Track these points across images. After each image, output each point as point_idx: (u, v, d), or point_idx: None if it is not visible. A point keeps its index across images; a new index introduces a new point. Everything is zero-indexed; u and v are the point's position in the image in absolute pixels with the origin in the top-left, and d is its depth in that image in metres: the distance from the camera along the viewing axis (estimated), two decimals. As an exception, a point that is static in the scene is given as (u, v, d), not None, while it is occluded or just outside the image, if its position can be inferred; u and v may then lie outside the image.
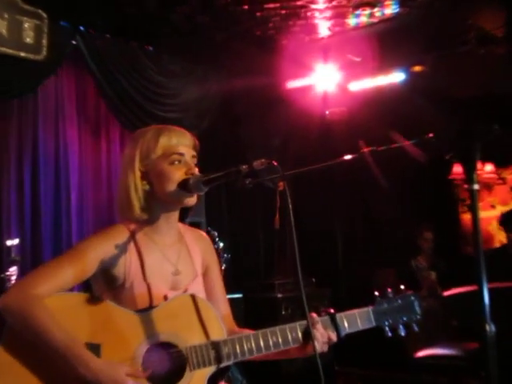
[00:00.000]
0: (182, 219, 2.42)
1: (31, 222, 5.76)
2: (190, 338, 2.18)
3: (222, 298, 2.49)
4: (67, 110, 6.22)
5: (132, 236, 2.25)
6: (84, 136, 6.38)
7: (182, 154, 2.26)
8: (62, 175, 6.05)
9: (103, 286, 2.21)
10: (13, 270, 4.80)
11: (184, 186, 2.21)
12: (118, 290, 2.20)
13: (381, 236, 7.61)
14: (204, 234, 2.54)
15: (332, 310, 2.39)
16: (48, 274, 2.07)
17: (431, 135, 2.25)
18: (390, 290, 2.51)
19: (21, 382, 2.00)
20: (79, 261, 2.12)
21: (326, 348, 2.30)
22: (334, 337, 2.32)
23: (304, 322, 2.29)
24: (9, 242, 5.06)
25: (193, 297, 2.24)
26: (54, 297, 2.06)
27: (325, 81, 7.53)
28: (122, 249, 2.20)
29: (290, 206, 2.01)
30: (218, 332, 2.24)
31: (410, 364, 5.76)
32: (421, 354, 5.66)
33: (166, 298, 2.23)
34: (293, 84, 7.58)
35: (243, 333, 2.28)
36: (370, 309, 2.45)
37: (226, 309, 2.48)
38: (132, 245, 2.24)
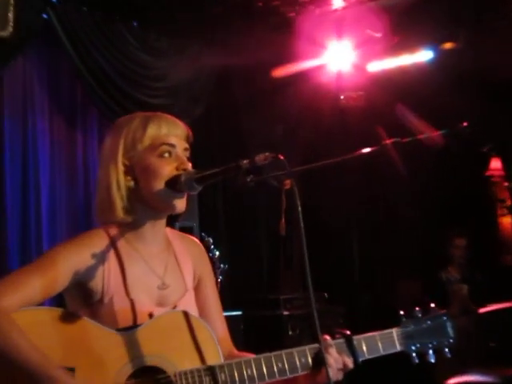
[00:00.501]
0: (170, 223, 2.42)
1: (-6, 229, 5.77)
2: (180, 361, 2.17)
3: (218, 315, 2.49)
4: (37, 96, 6.21)
5: (112, 243, 2.25)
6: (57, 127, 6.38)
7: (172, 146, 2.26)
8: (30, 172, 6.05)
9: (78, 301, 2.21)
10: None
11: (173, 184, 2.20)
12: (95, 306, 2.19)
13: (405, 243, 7.60)
14: (196, 240, 2.54)
15: (348, 332, 2.38)
16: (14, 285, 2.07)
17: (465, 124, 2.25)
18: (417, 308, 2.50)
19: None
20: (50, 271, 2.12)
21: (340, 376, 2.29)
22: (350, 363, 2.31)
23: (315, 346, 2.28)
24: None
25: (184, 314, 2.24)
26: (22, 312, 2.06)
27: (339, 60, 7.53)
28: (101, 258, 2.19)
29: (299, 207, 2.00)
30: (214, 355, 2.23)
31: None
32: (452, 381, 5.66)
33: (151, 315, 2.22)
34: (301, 64, 7.57)
35: (243, 357, 2.27)
36: (393, 331, 2.43)
37: (222, 328, 2.48)
38: (112, 254, 2.24)
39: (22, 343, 1.99)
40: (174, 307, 2.29)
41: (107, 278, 2.20)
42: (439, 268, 6.83)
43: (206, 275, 2.48)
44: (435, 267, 6.88)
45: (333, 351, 2.28)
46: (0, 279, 2.10)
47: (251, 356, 2.26)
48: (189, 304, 2.34)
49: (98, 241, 2.22)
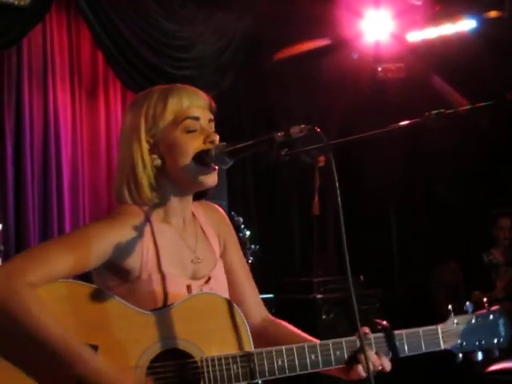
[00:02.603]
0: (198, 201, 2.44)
1: (15, 206, 5.81)
2: (207, 347, 2.18)
3: (247, 279, 2.51)
4: (58, 67, 6.24)
5: (147, 219, 2.26)
6: (78, 98, 6.41)
7: (197, 118, 2.26)
8: (51, 148, 6.09)
9: (111, 279, 2.23)
10: (-6, 262, 4.86)
11: (202, 159, 2.20)
12: (130, 284, 2.21)
13: (445, 224, 7.56)
14: (215, 205, 2.55)
15: (385, 322, 2.35)
16: (41, 259, 2.07)
17: (511, 96, 2.21)
18: (468, 303, 2.41)
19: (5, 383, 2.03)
20: (82, 248, 2.12)
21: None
22: (387, 366, 2.29)
23: (352, 339, 2.28)
24: (-11, 230, 5.10)
25: (216, 296, 2.25)
26: (53, 284, 2.07)
27: (377, 30, 7.47)
28: (139, 236, 2.21)
29: (337, 183, 1.98)
30: (245, 343, 2.24)
31: (479, 381, 5.73)
32: (493, 368, 5.63)
33: (189, 288, 2.26)
34: (336, 33, 7.51)
35: (276, 335, 2.32)
36: (438, 327, 2.38)
37: (253, 292, 2.51)
38: (148, 230, 2.25)
39: (44, 317, 2.00)
40: (208, 279, 2.32)
41: (145, 255, 2.22)
42: (482, 250, 6.79)
43: (229, 240, 2.50)
44: (477, 249, 6.84)
45: (371, 354, 2.26)
46: (25, 251, 2.12)
47: (285, 338, 2.30)
48: (219, 275, 2.38)
49: (135, 218, 2.23)
